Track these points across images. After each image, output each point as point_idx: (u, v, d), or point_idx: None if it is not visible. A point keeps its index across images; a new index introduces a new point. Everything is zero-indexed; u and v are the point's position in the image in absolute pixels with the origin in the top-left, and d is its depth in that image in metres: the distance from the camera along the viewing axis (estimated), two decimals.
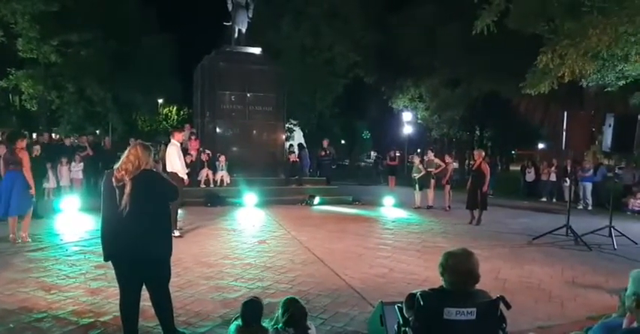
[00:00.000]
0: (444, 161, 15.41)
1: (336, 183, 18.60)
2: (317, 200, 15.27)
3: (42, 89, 25.91)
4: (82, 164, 15.82)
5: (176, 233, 9.47)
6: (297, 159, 17.64)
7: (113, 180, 4.04)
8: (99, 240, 4.20)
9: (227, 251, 8.32)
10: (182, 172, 9.71)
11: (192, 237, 9.51)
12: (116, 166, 4.12)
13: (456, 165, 25.41)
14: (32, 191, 8.66)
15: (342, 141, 43.87)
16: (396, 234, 10.67)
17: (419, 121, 30.16)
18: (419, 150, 35.41)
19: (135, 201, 3.96)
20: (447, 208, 14.70)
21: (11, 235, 8.64)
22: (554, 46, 13.52)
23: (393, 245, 9.33)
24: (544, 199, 19.33)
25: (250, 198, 14.43)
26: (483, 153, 12.46)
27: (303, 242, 9.30)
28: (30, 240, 8.72)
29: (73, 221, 11.06)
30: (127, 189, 3.97)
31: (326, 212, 13.98)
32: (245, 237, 9.79)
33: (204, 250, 8.37)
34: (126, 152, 4.14)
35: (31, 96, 26.37)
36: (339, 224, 11.67)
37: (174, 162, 9.66)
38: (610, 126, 9.72)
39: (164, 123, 47.58)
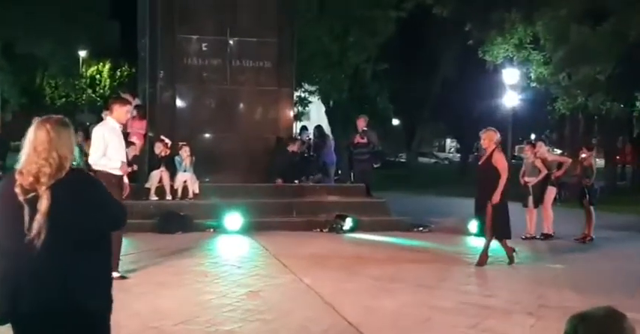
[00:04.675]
0: (577, 155, 15.31)
1: (383, 193, 18.47)
2: (349, 223, 15.21)
3: None
4: None
5: (115, 274, 9.48)
6: (309, 151, 17.58)
7: (17, 190, 3.94)
8: None
9: (194, 311, 8.30)
10: (122, 169, 9.79)
11: (138, 286, 9.51)
12: (18, 166, 4.03)
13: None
14: None
15: (395, 122, 43.69)
16: (491, 283, 10.69)
17: (532, 85, 29.82)
18: (533, 137, 34.99)
19: (55, 226, 3.87)
20: (586, 238, 14.68)
21: None
22: None
23: (483, 303, 9.23)
24: None
25: (233, 219, 14.44)
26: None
27: (324, 296, 9.21)
28: None
29: None
30: (43, 206, 3.87)
31: (365, 244, 13.95)
32: (224, 285, 9.78)
33: (157, 308, 8.34)
34: (30, 137, 4.03)
35: None
36: (389, 265, 11.64)
37: (112, 153, 9.70)
38: None
39: (89, 91, 47.93)
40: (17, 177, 3.95)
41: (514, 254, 12.02)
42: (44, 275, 3.91)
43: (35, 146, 3.97)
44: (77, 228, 3.95)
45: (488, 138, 12.19)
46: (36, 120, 4.08)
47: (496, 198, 11.55)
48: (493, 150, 11.97)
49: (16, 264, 3.97)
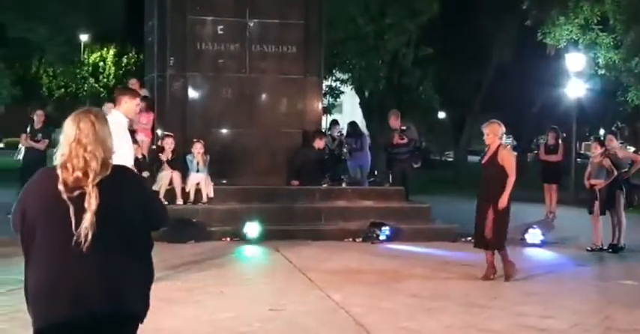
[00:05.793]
0: None
1: (426, 197, 18.39)
2: (385, 232, 15.23)
3: None
4: None
5: None
6: (340, 148, 17.56)
7: (61, 188, 3.97)
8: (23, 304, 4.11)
9: (206, 332, 8.36)
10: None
11: None
12: (58, 162, 4.06)
13: None
14: None
15: (441, 115, 43.51)
16: (551, 302, 10.54)
17: (600, 72, 29.60)
18: (602, 132, 34.61)
19: (104, 226, 3.93)
20: None
21: None
22: None
23: (541, 326, 9.17)
24: None
25: (253, 226, 14.49)
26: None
27: (356, 315, 9.21)
28: None
29: None
30: (93, 204, 3.91)
31: (404, 256, 13.93)
32: (243, 302, 9.82)
33: (164, 327, 8.29)
34: (70, 130, 4.07)
35: None
36: (431, 281, 11.67)
37: (119, 152, 9.70)
38: None
39: (91, 80, 48.12)
40: (60, 172, 3.98)
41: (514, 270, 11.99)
42: (97, 281, 3.96)
43: (80, 139, 4.01)
44: (126, 228, 4.03)
45: (493, 132, 12.13)
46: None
47: (503, 201, 11.57)
48: (498, 147, 12.00)
49: (59, 271, 3.98)
